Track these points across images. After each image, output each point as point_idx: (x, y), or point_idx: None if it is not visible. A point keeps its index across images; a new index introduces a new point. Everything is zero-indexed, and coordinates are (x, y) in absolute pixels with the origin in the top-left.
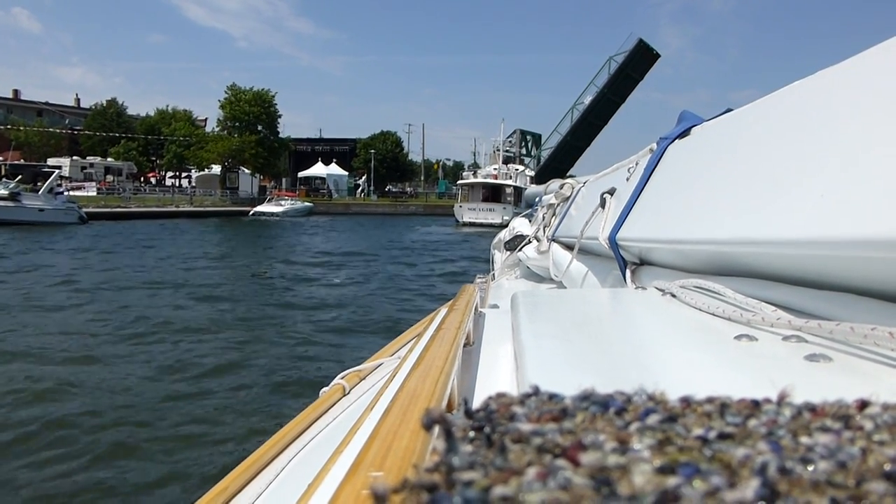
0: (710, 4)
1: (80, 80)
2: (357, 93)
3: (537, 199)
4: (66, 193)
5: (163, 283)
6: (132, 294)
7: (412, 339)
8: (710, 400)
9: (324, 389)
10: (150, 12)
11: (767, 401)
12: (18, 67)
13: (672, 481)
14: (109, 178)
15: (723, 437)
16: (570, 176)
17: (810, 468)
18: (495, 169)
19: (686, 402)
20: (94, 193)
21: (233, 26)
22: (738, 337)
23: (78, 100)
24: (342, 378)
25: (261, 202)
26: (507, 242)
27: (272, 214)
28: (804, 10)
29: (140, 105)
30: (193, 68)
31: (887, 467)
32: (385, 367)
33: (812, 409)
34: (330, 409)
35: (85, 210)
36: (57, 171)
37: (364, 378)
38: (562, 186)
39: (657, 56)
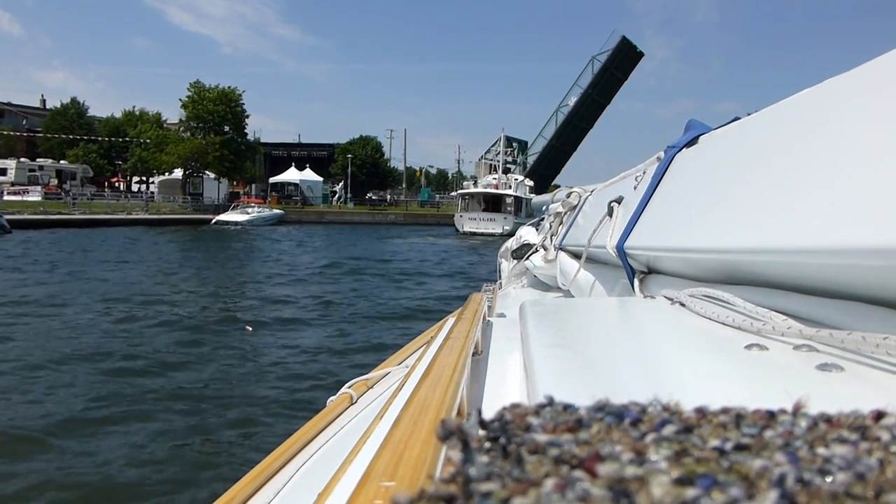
0: (694, 15)
1: (62, 83)
2: (341, 100)
3: (544, 208)
4: None
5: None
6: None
7: (420, 348)
8: (725, 411)
9: (331, 399)
10: (134, 17)
11: (783, 411)
12: None
13: (691, 493)
14: (55, 182)
15: (739, 448)
16: (557, 185)
17: (828, 480)
18: (495, 178)
19: (701, 412)
20: (39, 198)
21: (218, 32)
22: (749, 346)
23: (44, 101)
24: (349, 387)
25: (226, 209)
26: (514, 251)
27: (235, 224)
28: (787, 22)
29: (120, 110)
30: (177, 74)
31: None
32: (393, 375)
33: (828, 419)
34: (337, 418)
35: (17, 217)
36: None
37: (372, 387)
38: (569, 195)
39: (641, 54)
